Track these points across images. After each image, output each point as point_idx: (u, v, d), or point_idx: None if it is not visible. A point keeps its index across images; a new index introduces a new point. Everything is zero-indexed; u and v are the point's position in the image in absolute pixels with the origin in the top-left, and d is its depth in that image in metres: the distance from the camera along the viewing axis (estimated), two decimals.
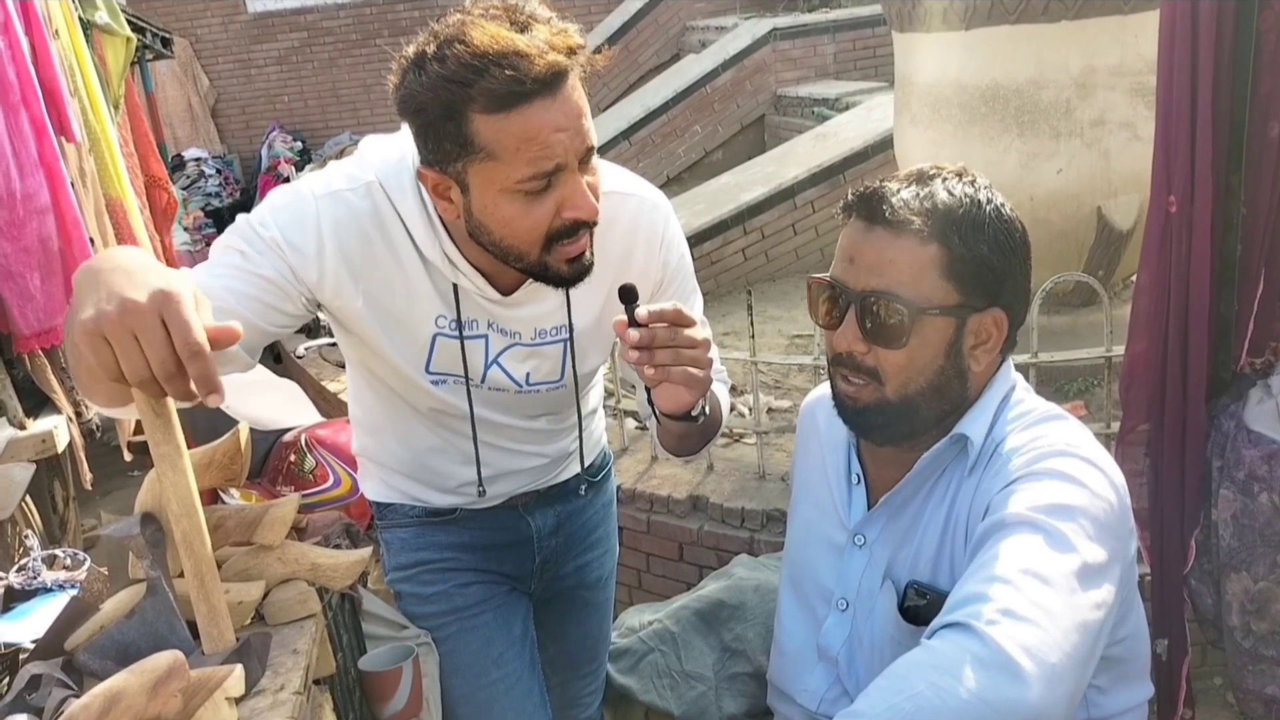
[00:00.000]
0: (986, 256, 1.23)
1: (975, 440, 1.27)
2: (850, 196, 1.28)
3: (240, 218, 1.36)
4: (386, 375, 1.49)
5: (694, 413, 1.33)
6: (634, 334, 1.20)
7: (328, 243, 1.32)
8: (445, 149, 1.22)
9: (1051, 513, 1.12)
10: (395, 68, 1.23)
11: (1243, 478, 1.86)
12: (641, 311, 1.21)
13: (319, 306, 1.40)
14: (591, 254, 1.32)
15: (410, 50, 1.21)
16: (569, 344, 1.49)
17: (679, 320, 1.22)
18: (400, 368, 1.45)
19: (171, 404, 1.01)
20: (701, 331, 1.24)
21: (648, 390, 1.33)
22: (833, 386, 1.33)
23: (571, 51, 1.19)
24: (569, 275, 1.32)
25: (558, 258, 1.29)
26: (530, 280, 1.37)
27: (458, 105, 1.18)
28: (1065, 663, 1.01)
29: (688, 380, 1.24)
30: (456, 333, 1.43)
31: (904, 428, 1.28)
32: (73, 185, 3.20)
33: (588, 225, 1.28)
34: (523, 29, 1.18)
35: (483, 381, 1.48)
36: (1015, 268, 1.26)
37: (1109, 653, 1.21)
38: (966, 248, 1.22)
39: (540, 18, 1.20)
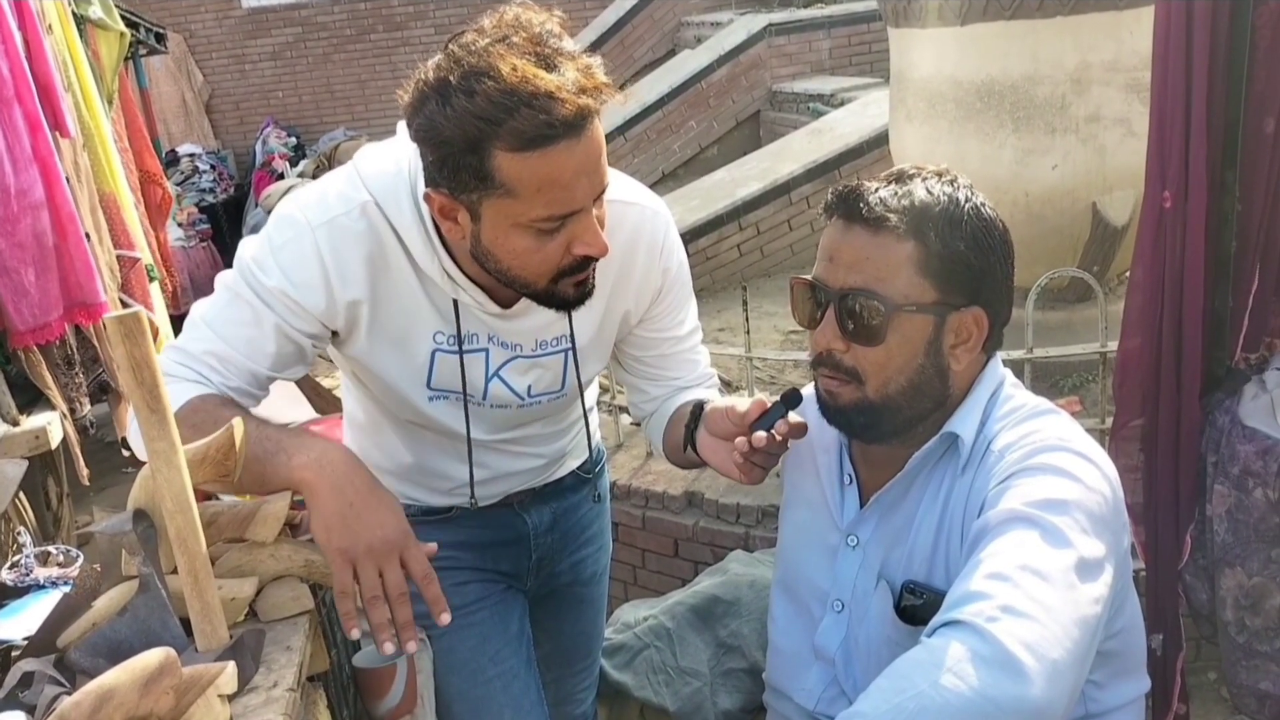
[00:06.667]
0: (964, 254, 1.23)
1: (966, 439, 1.26)
2: (830, 196, 1.28)
3: (242, 253, 1.35)
4: (381, 391, 1.49)
5: None
6: (761, 436, 1.29)
7: (332, 274, 1.32)
8: (462, 180, 1.19)
9: (1046, 508, 1.12)
10: (411, 88, 1.20)
11: (1237, 473, 1.86)
12: (782, 425, 1.30)
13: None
14: (594, 280, 1.33)
15: (430, 74, 1.17)
16: (571, 355, 1.49)
17: (797, 434, 1.33)
18: (397, 384, 1.44)
19: (168, 401, 1.01)
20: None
21: (690, 428, 1.45)
22: (815, 386, 1.33)
23: (599, 90, 1.17)
24: (573, 300, 1.33)
25: (564, 286, 1.30)
26: None
27: (482, 141, 1.15)
28: (1066, 658, 1.01)
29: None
30: (455, 348, 1.42)
31: (887, 426, 1.28)
32: (68, 181, 3.18)
33: (596, 259, 1.29)
34: (550, 65, 1.15)
35: (484, 398, 1.47)
36: (994, 266, 1.26)
37: (1105, 647, 1.21)
38: (943, 244, 1.22)
39: (566, 52, 1.17)
